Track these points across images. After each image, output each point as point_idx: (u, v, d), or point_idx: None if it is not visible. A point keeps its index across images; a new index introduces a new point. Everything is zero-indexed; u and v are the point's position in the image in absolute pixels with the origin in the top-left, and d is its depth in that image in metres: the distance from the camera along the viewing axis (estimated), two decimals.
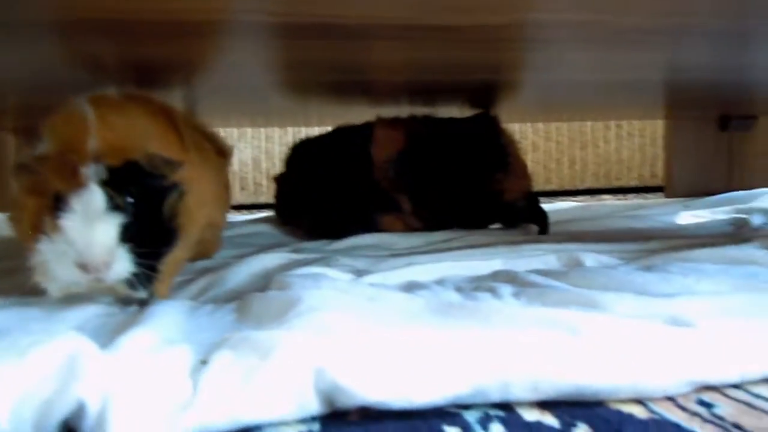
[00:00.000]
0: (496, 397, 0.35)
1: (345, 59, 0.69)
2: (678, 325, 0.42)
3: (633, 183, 1.93)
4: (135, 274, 0.50)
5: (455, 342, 0.38)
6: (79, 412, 0.31)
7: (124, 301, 0.55)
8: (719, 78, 0.92)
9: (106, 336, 0.43)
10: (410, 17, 0.52)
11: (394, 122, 1.00)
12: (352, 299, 0.49)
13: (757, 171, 1.45)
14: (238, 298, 0.55)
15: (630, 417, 0.33)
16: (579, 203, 1.43)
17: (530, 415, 0.34)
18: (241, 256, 0.74)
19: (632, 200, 1.56)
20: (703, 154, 1.46)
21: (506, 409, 0.35)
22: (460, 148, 0.99)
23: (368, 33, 0.57)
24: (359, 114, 1.04)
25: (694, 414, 0.34)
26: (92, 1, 0.47)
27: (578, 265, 0.68)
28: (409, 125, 1.00)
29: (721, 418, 0.33)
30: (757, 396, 0.35)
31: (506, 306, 0.48)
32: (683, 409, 0.34)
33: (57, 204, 0.47)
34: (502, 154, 1.00)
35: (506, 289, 0.55)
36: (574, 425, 0.33)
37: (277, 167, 1.35)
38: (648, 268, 0.62)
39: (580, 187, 1.92)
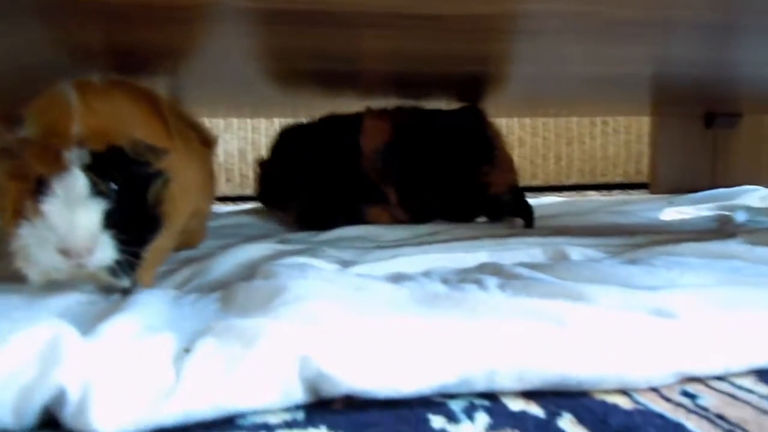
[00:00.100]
0: (481, 386, 0.34)
1: (332, 48, 0.68)
2: (662, 316, 0.42)
3: (618, 179, 1.94)
4: (118, 262, 0.49)
5: (441, 332, 0.38)
6: (60, 398, 0.30)
7: (107, 290, 0.54)
8: (706, 74, 0.93)
9: (88, 323, 0.42)
10: (399, 5, 0.52)
11: (381, 113, 1.00)
12: (338, 289, 0.49)
13: (740, 168, 1.47)
14: (222, 287, 0.54)
15: (615, 407, 0.34)
16: (564, 198, 1.44)
17: (515, 405, 0.34)
18: (226, 247, 0.73)
19: (617, 196, 1.57)
20: (688, 151, 1.47)
21: (491, 398, 0.35)
22: (446, 140, 0.99)
23: (356, 21, 0.56)
24: (347, 106, 1.03)
25: (679, 405, 0.34)
26: None
27: (563, 258, 0.68)
28: (396, 116, 1.00)
29: (705, 409, 0.33)
30: (740, 387, 0.36)
31: (492, 297, 0.47)
32: (667, 400, 0.34)
33: (39, 188, 0.47)
34: (489, 147, 1.00)
35: (492, 281, 0.55)
36: (559, 415, 0.33)
37: None
38: (633, 262, 0.62)
39: (566, 182, 1.92)
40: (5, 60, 0.70)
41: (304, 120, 1.09)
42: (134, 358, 0.35)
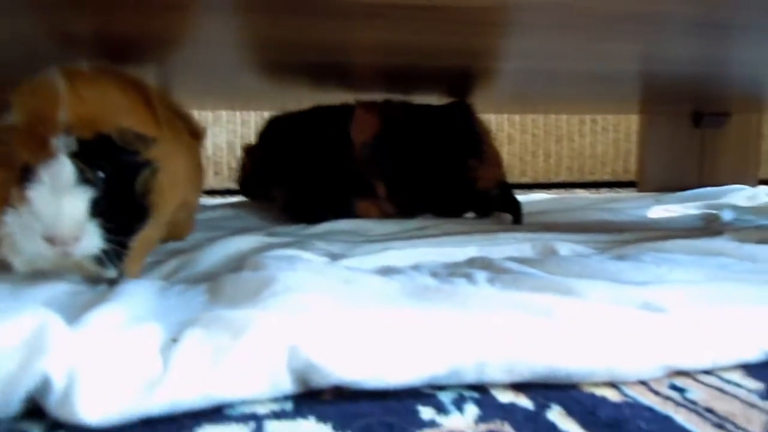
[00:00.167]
0: (471, 378, 0.34)
1: (321, 39, 0.68)
2: (651, 311, 0.42)
3: (606, 178, 1.94)
4: (104, 251, 0.48)
5: (431, 323, 0.38)
6: (45, 386, 0.30)
7: (93, 280, 0.54)
8: (695, 72, 0.93)
9: (74, 313, 0.42)
10: None
11: (371, 105, 1.00)
12: (327, 281, 0.48)
13: (728, 168, 1.48)
14: (210, 279, 0.54)
15: (603, 400, 0.34)
16: (553, 195, 1.44)
17: (505, 397, 0.34)
18: (214, 239, 0.73)
19: (605, 194, 1.58)
20: (676, 150, 1.48)
21: (481, 390, 0.35)
22: (434, 134, 0.99)
23: (347, 11, 0.56)
24: (336, 100, 1.03)
25: (667, 398, 0.34)
26: None
27: (552, 253, 0.68)
28: (385, 110, 1.00)
29: (693, 402, 0.33)
30: (728, 382, 0.36)
31: (482, 290, 0.47)
32: (656, 393, 0.34)
33: (25, 175, 0.46)
34: (476, 142, 1.00)
35: (481, 275, 0.55)
36: (548, 407, 0.33)
37: None
38: (621, 258, 0.63)
39: (555, 180, 1.93)
40: None
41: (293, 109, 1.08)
42: (121, 348, 0.34)
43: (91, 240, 0.47)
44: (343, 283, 0.49)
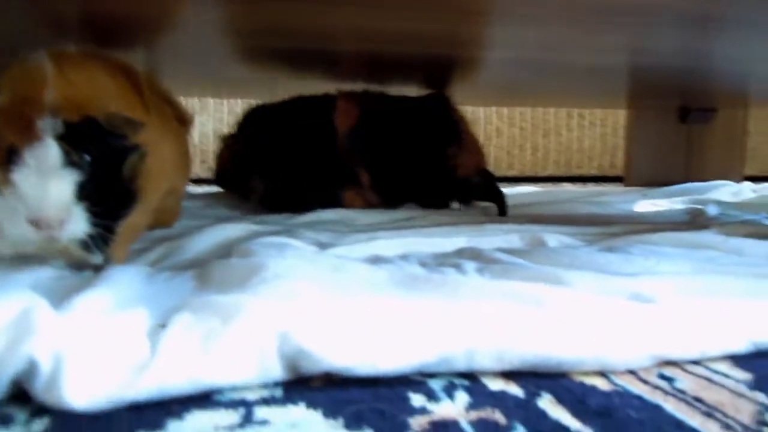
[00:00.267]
0: (461, 365, 0.34)
1: (304, 24, 0.67)
2: (640, 301, 0.42)
3: (593, 172, 1.96)
4: (90, 235, 0.48)
5: (422, 311, 0.38)
6: (31, 370, 0.29)
7: (78, 266, 0.53)
8: (682, 65, 0.94)
9: (59, 298, 0.41)
10: None
11: (351, 95, 1.00)
12: (316, 269, 0.48)
13: (713, 163, 1.49)
14: (198, 266, 0.54)
15: (593, 389, 0.34)
16: (540, 188, 1.45)
17: (495, 385, 0.34)
18: (202, 227, 0.72)
19: (592, 188, 1.59)
20: (663, 145, 1.49)
21: (471, 378, 0.35)
22: (413, 123, 0.99)
23: None
24: (323, 89, 1.02)
25: (656, 387, 0.34)
26: None
27: (541, 245, 0.68)
28: (364, 99, 1.00)
29: (682, 391, 0.33)
30: (716, 372, 0.36)
31: (471, 279, 0.47)
32: (645, 382, 0.35)
33: (10, 158, 0.45)
34: (455, 130, 1.01)
35: (470, 266, 0.55)
36: (539, 395, 0.33)
37: None
38: (610, 249, 0.63)
39: (542, 174, 1.94)
40: None
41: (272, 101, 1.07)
42: (108, 332, 0.34)
43: (77, 224, 0.46)
44: (332, 271, 0.48)
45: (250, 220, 0.80)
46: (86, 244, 0.48)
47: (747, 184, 1.37)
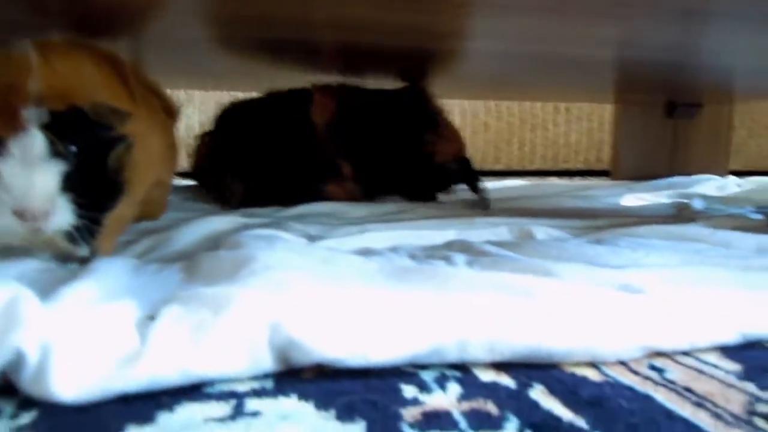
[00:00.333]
0: (453, 356, 0.34)
1: (286, 14, 0.66)
2: (630, 292, 0.42)
3: (579, 166, 1.96)
4: (76, 227, 0.47)
5: (413, 302, 0.38)
6: (18, 361, 0.29)
7: (63, 258, 0.52)
8: (669, 60, 0.94)
9: (45, 290, 0.40)
10: None
11: (327, 88, 1.00)
12: (306, 260, 0.48)
13: (699, 158, 1.50)
14: (185, 258, 0.53)
15: (584, 379, 0.34)
16: (528, 182, 1.45)
17: (486, 376, 0.34)
18: (189, 219, 0.71)
19: (579, 182, 1.59)
20: (649, 140, 1.50)
21: (462, 369, 0.35)
22: (391, 113, 1.00)
23: None
24: (301, 81, 1.01)
25: (647, 378, 0.34)
26: None
27: (530, 237, 0.69)
28: (340, 92, 1.00)
29: (672, 382, 0.33)
30: (706, 363, 0.36)
31: (462, 271, 0.47)
32: (635, 373, 0.35)
33: None
34: (432, 119, 1.02)
35: (460, 258, 0.55)
36: (531, 386, 0.33)
37: None
38: (598, 242, 0.63)
39: (529, 168, 1.94)
40: None
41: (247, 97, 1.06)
42: (96, 323, 0.33)
43: (63, 215, 0.46)
44: (322, 263, 0.48)
45: (239, 213, 0.80)
46: (72, 236, 0.47)
47: (732, 178, 1.38)
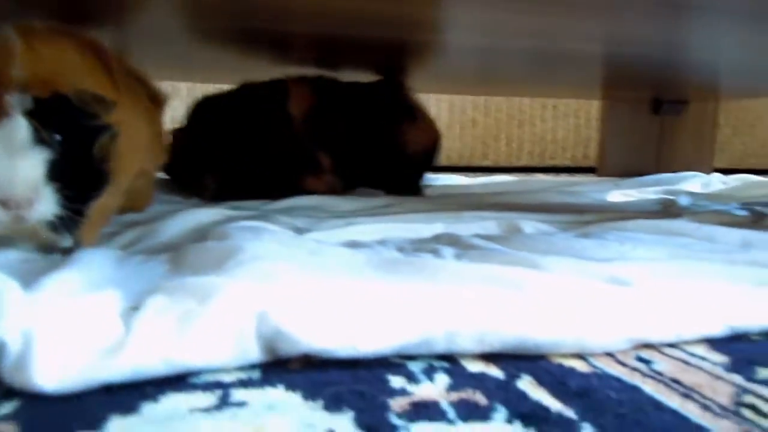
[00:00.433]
0: (441, 347, 0.34)
1: (263, 3, 0.66)
2: (617, 284, 0.42)
3: (566, 163, 1.97)
4: (60, 217, 0.46)
5: (401, 293, 0.38)
6: None
7: (47, 249, 0.51)
8: (655, 56, 0.94)
9: (27, 280, 0.40)
10: None
11: (303, 80, 0.99)
12: (294, 252, 0.47)
13: (685, 155, 1.51)
14: (171, 250, 0.52)
15: (572, 370, 0.34)
16: (515, 178, 1.45)
17: (475, 367, 0.34)
18: (175, 211, 0.71)
19: (566, 178, 1.60)
20: (636, 137, 1.51)
21: (450, 360, 0.34)
22: (367, 105, 1.00)
23: None
24: (278, 74, 1.00)
25: (634, 369, 0.34)
26: None
27: (517, 231, 0.69)
28: (317, 83, 0.99)
29: (660, 373, 0.33)
30: (693, 355, 0.36)
31: (450, 263, 0.47)
32: (623, 364, 0.35)
33: None
34: (408, 110, 1.02)
35: (448, 251, 0.55)
36: (519, 377, 0.32)
37: None
38: (585, 236, 0.63)
39: (516, 164, 1.95)
40: None
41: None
42: (79, 313, 0.33)
43: (46, 204, 0.45)
44: (309, 254, 0.48)
45: (225, 205, 0.79)
46: (55, 226, 0.47)
47: (716, 176, 1.39)
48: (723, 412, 0.29)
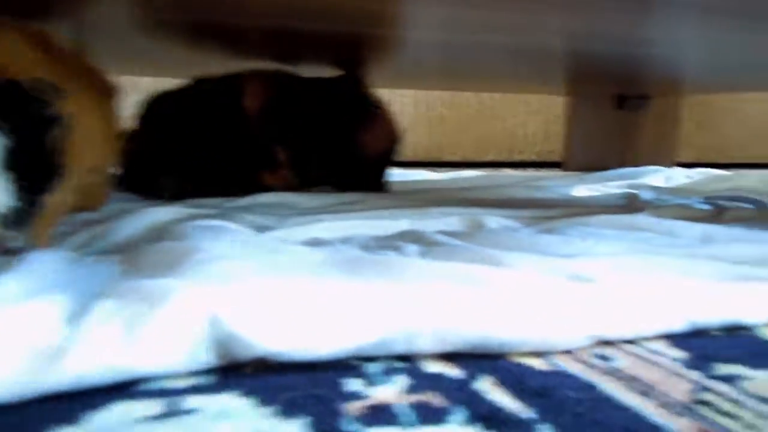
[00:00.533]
0: (401, 348, 0.33)
1: None
2: (579, 281, 0.42)
3: (533, 158, 1.99)
4: (14, 209, 0.44)
5: (360, 293, 0.37)
6: None
7: None
8: (617, 51, 0.95)
9: None
10: None
11: (259, 74, 0.97)
12: (253, 251, 0.46)
13: (647, 149, 1.53)
14: (127, 250, 0.51)
15: (531, 369, 0.33)
16: (481, 173, 1.46)
17: (434, 367, 0.33)
18: (131, 210, 0.69)
19: (532, 173, 1.61)
20: (600, 132, 1.52)
21: (410, 361, 0.34)
22: (324, 101, 0.97)
23: None
24: (233, 68, 0.98)
25: (593, 366, 0.34)
26: None
27: (481, 227, 0.68)
28: (274, 78, 0.97)
29: (618, 370, 0.33)
30: (652, 351, 0.36)
31: (413, 262, 0.46)
32: (582, 362, 0.34)
33: None
34: (368, 108, 1.00)
35: (412, 249, 0.54)
36: (478, 377, 0.32)
37: None
38: (548, 231, 0.63)
39: (484, 159, 1.95)
40: None
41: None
42: (19, 318, 0.31)
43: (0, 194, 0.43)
44: (268, 253, 0.47)
45: (185, 203, 0.77)
46: (5, 220, 0.44)
47: (680, 170, 1.41)
48: (681, 409, 0.28)
